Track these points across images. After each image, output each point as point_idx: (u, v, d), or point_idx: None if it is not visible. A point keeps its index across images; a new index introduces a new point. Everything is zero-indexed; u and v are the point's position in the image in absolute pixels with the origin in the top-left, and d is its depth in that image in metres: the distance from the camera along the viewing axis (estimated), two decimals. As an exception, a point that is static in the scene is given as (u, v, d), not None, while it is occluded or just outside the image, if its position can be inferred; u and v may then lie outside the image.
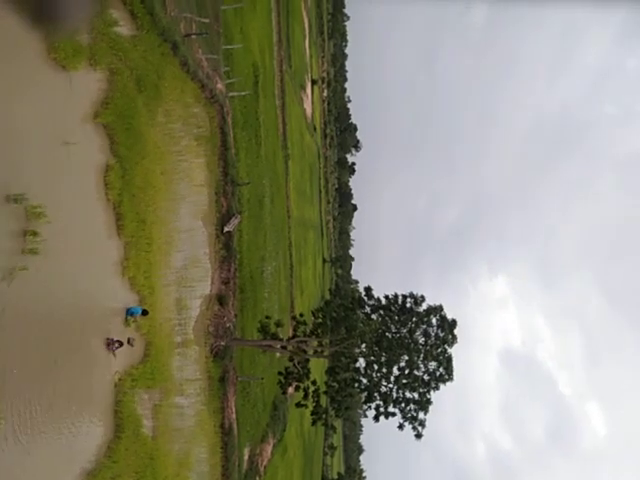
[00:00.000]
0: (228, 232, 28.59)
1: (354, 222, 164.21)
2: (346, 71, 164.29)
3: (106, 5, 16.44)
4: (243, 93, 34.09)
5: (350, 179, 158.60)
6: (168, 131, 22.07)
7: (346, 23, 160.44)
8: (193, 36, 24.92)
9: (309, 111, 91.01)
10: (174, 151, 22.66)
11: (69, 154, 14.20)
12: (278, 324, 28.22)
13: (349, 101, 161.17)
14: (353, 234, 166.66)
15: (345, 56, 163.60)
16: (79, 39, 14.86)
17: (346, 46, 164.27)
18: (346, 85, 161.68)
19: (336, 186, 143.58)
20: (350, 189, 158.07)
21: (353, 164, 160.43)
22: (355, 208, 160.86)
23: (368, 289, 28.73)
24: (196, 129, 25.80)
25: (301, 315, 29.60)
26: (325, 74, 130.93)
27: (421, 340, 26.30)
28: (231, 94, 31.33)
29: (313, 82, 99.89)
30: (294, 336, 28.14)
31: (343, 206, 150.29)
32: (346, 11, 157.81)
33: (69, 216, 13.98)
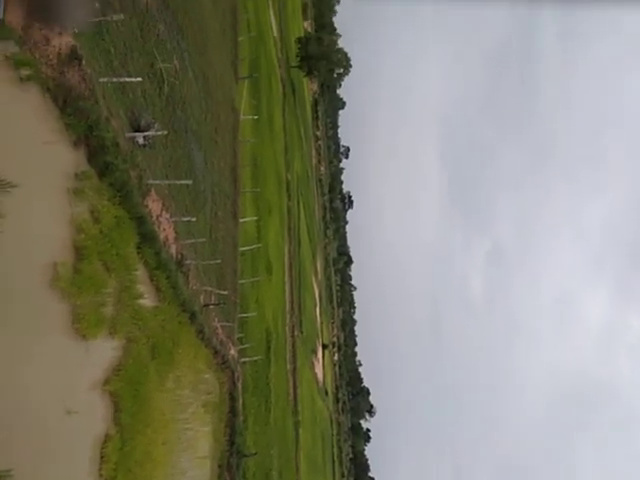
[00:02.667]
0: (229, 514, 25.22)
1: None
2: (356, 335, 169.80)
3: (135, 281, 18.04)
4: (255, 358, 34.53)
5: (365, 447, 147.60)
6: (176, 397, 21.58)
7: (353, 292, 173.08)
8: (211, 306, 26.60)
9: (320, 375, 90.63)
10: (180, 419, 21.73)
11: (69, 424, 13.59)
12: None
13: (360, 365, 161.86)
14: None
15: (354, 322, 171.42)
16: (104, 311, 15.83)
17: (354, 312, 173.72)
18: (356, 349, 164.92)
19: (351, 455, 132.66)
20: (366, 459, 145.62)
21: (368, 430, 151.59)
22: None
23: None
24: (205, 395, 25.26)
25: None
26: (335, 339, 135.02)
27: None
28: (243, 359, 31.71)
29: (324, 346, 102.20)
30: None
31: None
32: (353, 282, 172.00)
33: (54, 496, 12.56)
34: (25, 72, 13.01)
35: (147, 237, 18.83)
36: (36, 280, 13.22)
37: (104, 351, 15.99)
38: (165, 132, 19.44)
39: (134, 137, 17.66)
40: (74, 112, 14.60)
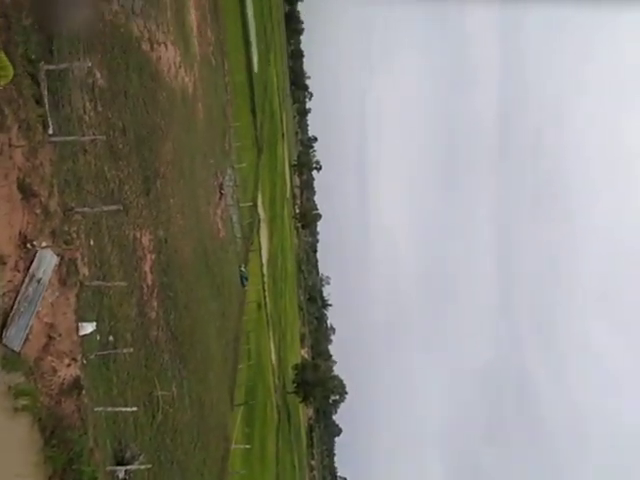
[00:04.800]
0: None
1: None
2: None
3: None
4: None
5: None
6: None
7: None
8: None
9: None
10: None
11: None
12: None
13: None
14: None
15: None
16: None
17: None
18: None
19: None
20: None
21: None
22: None
23: None
24: None
25: None
26: None
27: None
28: None
29: None
30: None
31: None
32: None
33: None
34: (22, 402, 13.03)
35: None
36: None
37: None
38: (149, 466, 18.21)
39: (115, 471, 16.45)
40: (58, 443, 13.98)
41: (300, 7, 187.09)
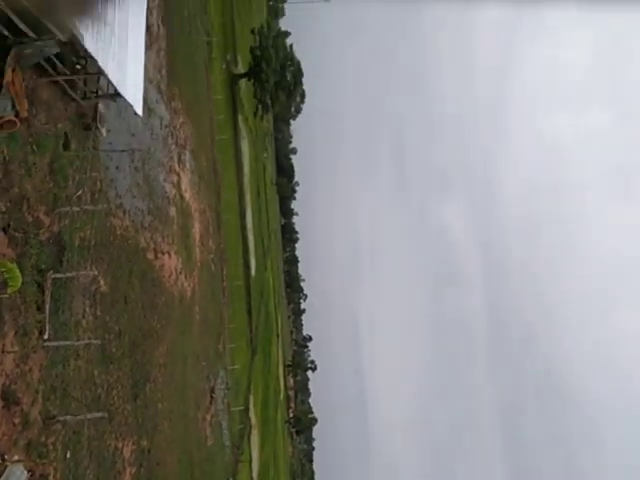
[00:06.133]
0: None
1: None
2: None
3: None
4: None
5: None
6: None
7: None
8: None
9: None
10: None
11: None
12: None
13: None
14: None
15: None
16: None
17: None
18: None
19: None
20: None
21: None
22: None
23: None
24: None
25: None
26: None
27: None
28: None
29: None
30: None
31: None
32: None
33: None
34: None
35: None
36: None
37: None
38: None
39: None
40: None
41: (295, 219, 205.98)
